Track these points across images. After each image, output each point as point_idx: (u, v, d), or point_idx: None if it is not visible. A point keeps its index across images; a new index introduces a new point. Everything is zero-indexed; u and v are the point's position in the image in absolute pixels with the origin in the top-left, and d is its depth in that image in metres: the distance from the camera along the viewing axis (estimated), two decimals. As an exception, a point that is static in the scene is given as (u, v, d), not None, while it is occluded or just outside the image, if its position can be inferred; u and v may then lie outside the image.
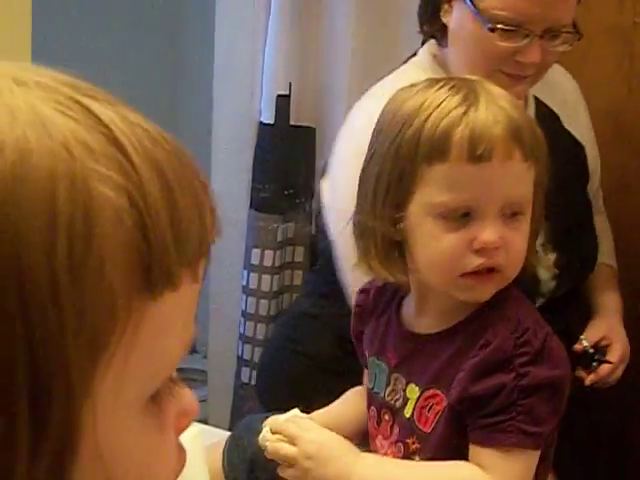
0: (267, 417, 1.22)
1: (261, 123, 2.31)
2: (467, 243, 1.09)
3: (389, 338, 1.22)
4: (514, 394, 1.07)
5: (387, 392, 1.21)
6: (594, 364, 1.63)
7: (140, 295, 0.46)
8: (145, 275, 0.46)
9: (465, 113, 1.07)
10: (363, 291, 1.30)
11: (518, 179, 1.10)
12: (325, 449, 1.12)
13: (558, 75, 1.74)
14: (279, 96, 2.26)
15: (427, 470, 1.13)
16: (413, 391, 1.17)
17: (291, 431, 1.15)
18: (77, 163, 0.45)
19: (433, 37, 1.62)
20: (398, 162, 1.10)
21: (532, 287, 1.53)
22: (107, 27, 2.86)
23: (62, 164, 0.45)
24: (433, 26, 1.60)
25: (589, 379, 1.62)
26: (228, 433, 1.50)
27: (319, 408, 1.30)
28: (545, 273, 1.57)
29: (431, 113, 1.08)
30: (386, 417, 1.21)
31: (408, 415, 1.17)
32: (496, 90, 1.13)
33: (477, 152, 1.06)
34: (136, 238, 0.46)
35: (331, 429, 1.19)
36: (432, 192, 1.09)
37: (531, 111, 1.65)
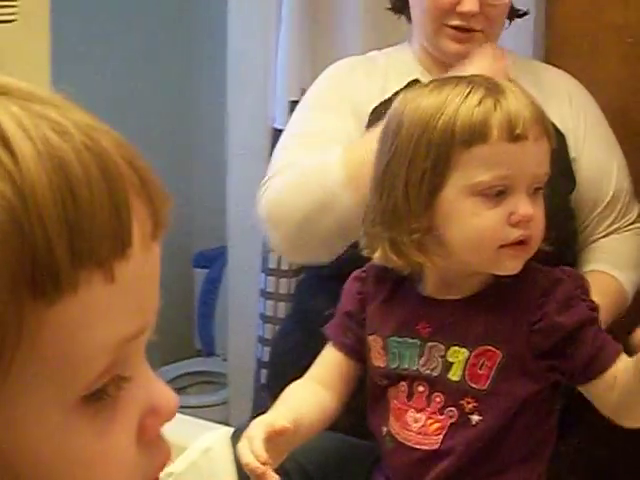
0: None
1: (275, 129, 2.34)
2: (506, 217, 1.19)
3: (414, 313, 1.27)
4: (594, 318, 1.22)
5: (421, 363, 1.25)
6: None
7: (31, 302, 0.44)
8: (31, 282, 0.44)
9: (497, 100, 1.17)
10: (359, 279, 1.34)
11: (545, 157, 1.22)
12: None
13: (554, 73, 1.79)
14: (292, 102, 2.29)
15: None
16: (459, 353, 1.22)
17: None
18: None
19: (402, 13, 1.78)
20: (431, 151, 1.18)
21: None
22: (119, 35, 2.89)
23: None
24: (399, 1, 1.77)
25: None
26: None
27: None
28: None
29: (460, 104, 1.17)
30: (420, 389, 1.25)
31: (456, 378, 1.22)
32: (508, 83, 1.24)
33: (516, 131, 1.16)
34: (16, 247, 0.43)
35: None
36: (471, 173, 1.18)
37: None
